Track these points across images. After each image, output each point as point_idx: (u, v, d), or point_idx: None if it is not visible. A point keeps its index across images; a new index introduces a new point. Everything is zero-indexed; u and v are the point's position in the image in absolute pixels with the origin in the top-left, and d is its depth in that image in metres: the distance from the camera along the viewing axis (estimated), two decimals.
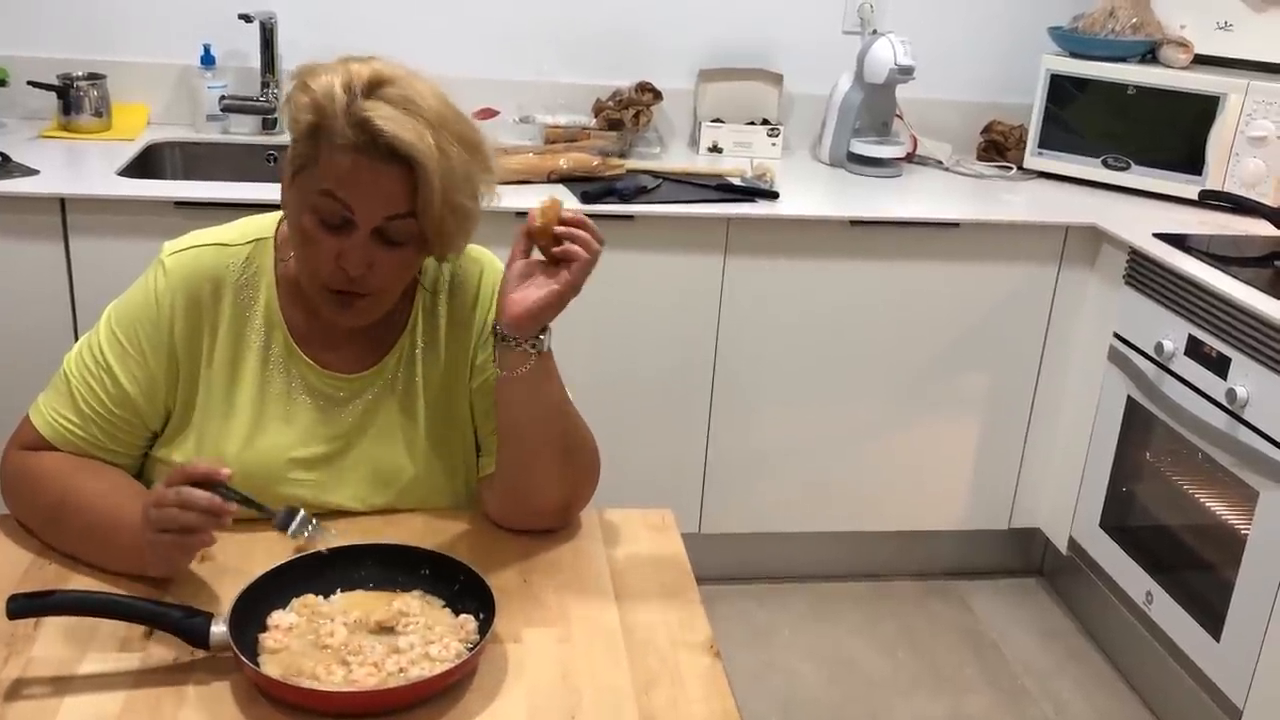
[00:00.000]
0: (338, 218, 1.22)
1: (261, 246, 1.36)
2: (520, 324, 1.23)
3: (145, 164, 2.61)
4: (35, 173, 2.32)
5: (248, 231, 1.37)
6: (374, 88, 1.19)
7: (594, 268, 1.23)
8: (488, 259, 1.43)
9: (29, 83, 2.63)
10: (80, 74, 2.66)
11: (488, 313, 1.39)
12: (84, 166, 2.45)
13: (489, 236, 1.51)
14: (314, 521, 1.20)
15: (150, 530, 1.14)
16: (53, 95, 2.64)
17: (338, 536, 1.21)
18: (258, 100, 2.74)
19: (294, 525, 1.19)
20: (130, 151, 2.56)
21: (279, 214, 1.36)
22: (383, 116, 1.17)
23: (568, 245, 1.22)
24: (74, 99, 2.64)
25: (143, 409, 1.32)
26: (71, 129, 2.64)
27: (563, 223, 1.23)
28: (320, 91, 1.19)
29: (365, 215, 1.21)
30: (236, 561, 1.26)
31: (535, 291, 1.22)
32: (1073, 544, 2.69)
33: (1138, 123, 2.78)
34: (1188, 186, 2.72)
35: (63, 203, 2.25)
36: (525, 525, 1.36)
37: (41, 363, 2.28)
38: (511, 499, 1.36)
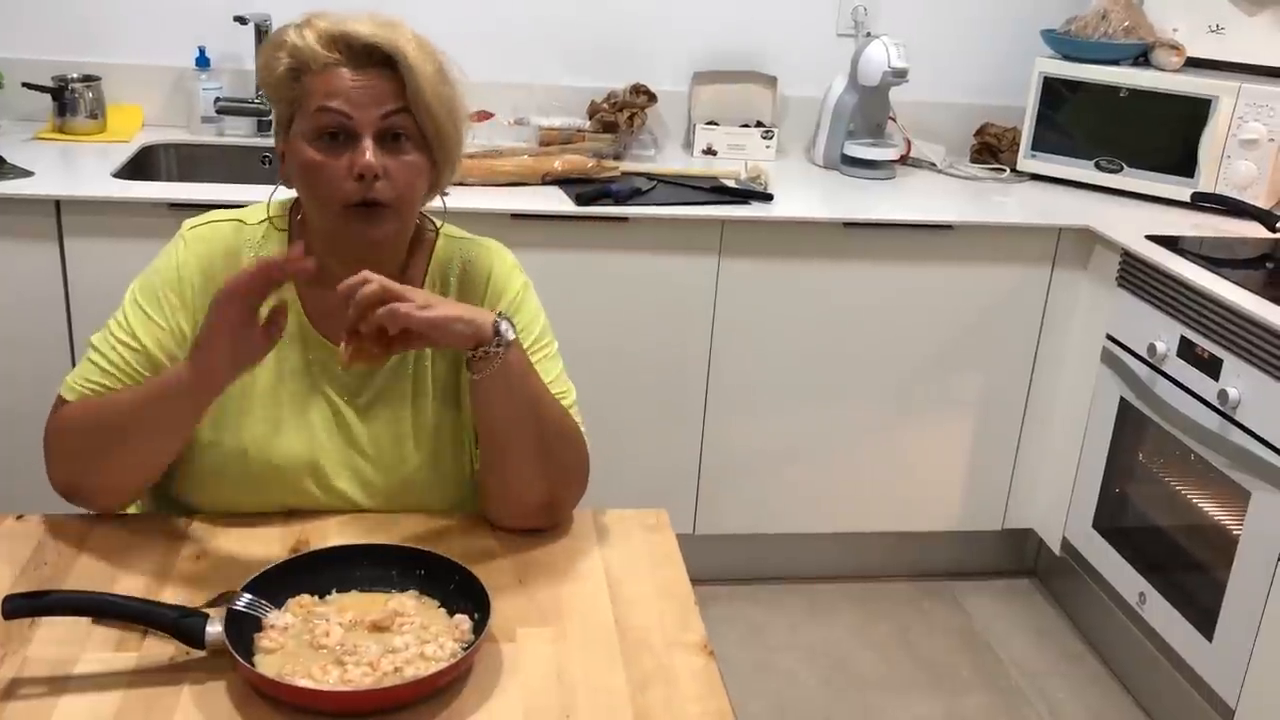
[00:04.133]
0: (338, 128, 1.26)
1: (277, 226, 1.38)
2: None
3: (140, 166, 2.61)
4: (30, 174, 2.31)
5: (264, 212, 1.39)
6: (341, 18, 1.28)
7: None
8: (499, 250, 1.45)
9: (24, 84, 2.63)
10: (75, 76, 2.66)
11: (496, 304, 1.40)
12: (79, 168, 2.45)
13: (488, 237, 1.52)
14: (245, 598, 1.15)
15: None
16: (47, 97, 2.64)
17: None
18: (253, 102, 2.73)
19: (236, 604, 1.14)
20: (125, 153, 2.56)
21: (293, 195, 1.38)
22: (354, 28, 1.26)
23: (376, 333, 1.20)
24: (69, 101, 2.64)
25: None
26: (66, 131, 2.64)
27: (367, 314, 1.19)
28: (292, 37, 1.28)
29: (364, 118, 1.26)
30: (232, 561, 1.27)
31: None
32: (1066, 545, 2.70)
33: (1130, 125, 2.79)
34: (1180, 189, 2.73)
35: (57, 205, 2.25)
36: (515, 524, 1.37)
37: (37, 364, 2.30)
38: (496, 497, 1.37)
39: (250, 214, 1.40)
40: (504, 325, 1.25)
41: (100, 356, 1.34)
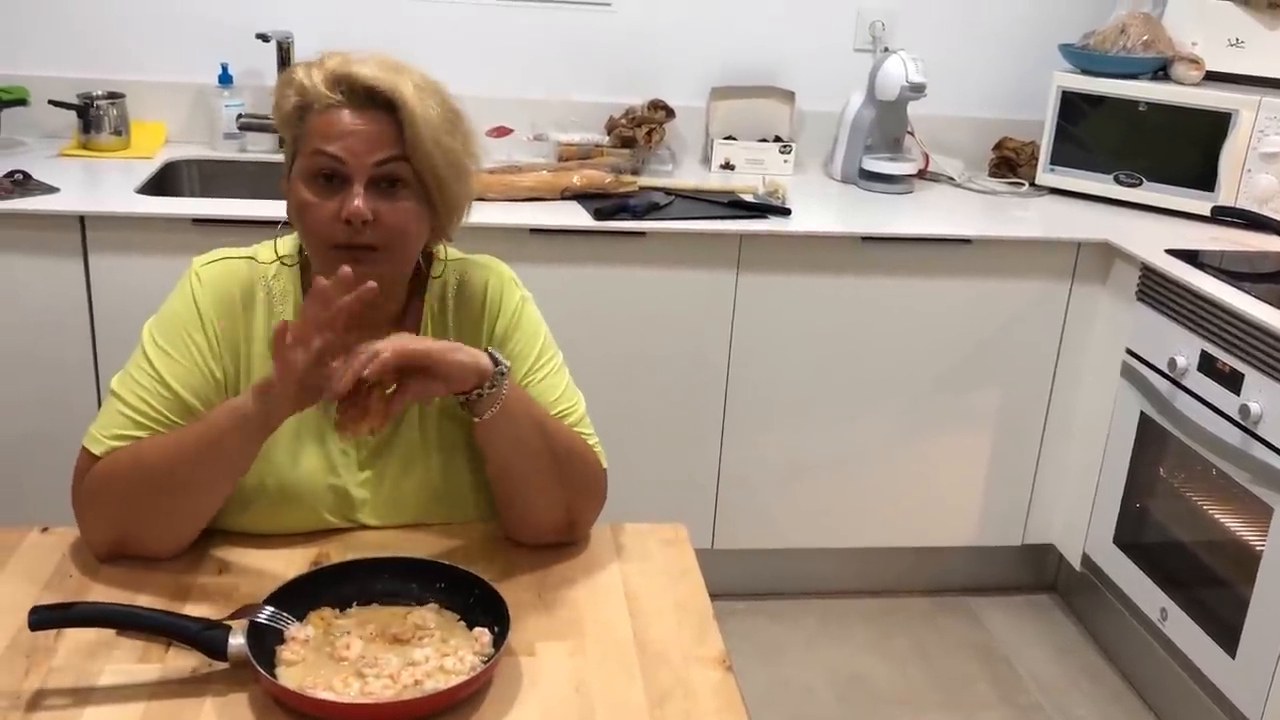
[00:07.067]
0: (332, 171, 1.25)
1: (287, 263, 1.37)
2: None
3: (163, 182, 2.63)
4: (55, 190, 2.34)
5: (275, 250, 1.38)
6: (347, 59, 1.27)
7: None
8: (494, 266, 1.44)
9: (49, 102, 2.66)
10: (100, 93, 2.69)
11: (495, 320, 1.40)
12: (103, 184, 2.48)
13: (507, 253, 1.53)
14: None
15: (295, 373, 1.16)
16: (73, 114, 2.67)
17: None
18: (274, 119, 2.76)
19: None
20: (149, 169, 2.59)
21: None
22: (357, 70, 1.25)
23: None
24: (93, 118, 2.67)
25: (201, 413, 1.31)
26: (91, 147, 2.67)
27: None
28: (300, 75, 1.28)
29: (357, 164, 1.24)
30: (254, 574, 1.28)
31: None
32: (1086, 560, 2.69)
33: (1150, 139, 2.78)
34: (1200, 203, 2.72)
35: (82, 220, 2.27)
36: (536, 541, 1.37)
37: (61, 378, 2.33)
38: (515, 523, 1.37)
39: (259, 251, 1.39)
40: (498, 356, 1.25)
41: (127, 407, 1.30)
